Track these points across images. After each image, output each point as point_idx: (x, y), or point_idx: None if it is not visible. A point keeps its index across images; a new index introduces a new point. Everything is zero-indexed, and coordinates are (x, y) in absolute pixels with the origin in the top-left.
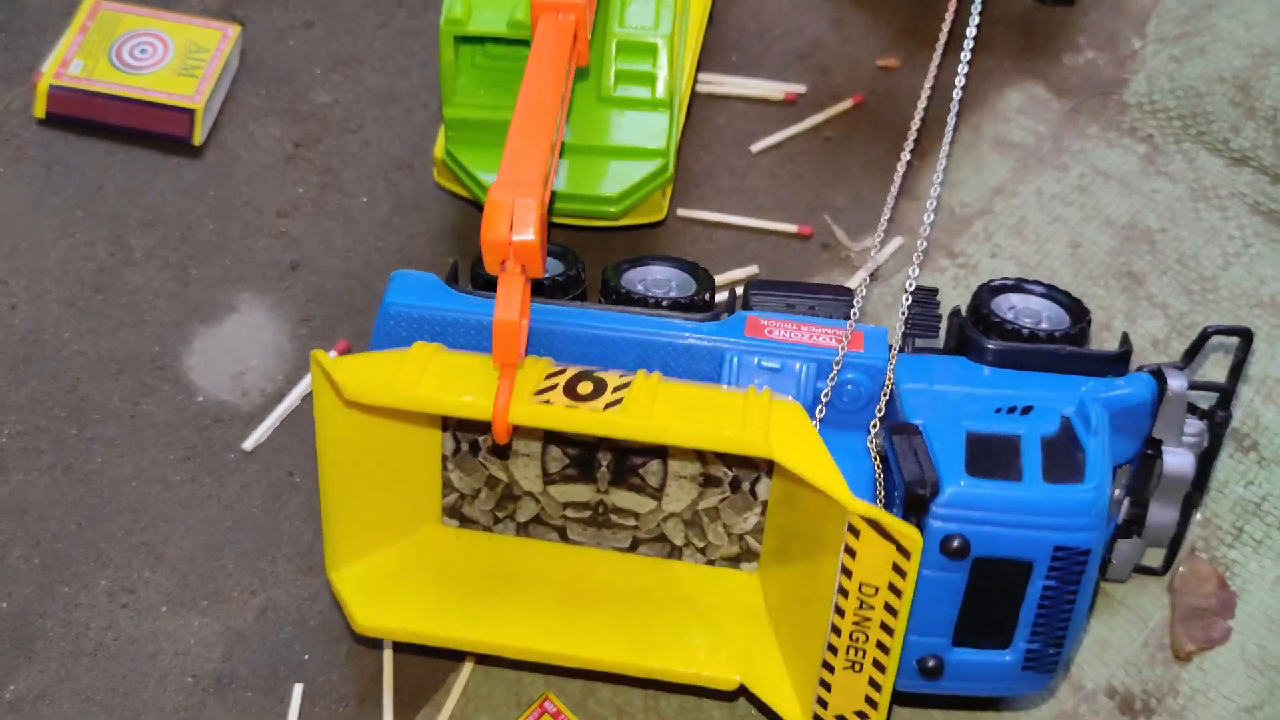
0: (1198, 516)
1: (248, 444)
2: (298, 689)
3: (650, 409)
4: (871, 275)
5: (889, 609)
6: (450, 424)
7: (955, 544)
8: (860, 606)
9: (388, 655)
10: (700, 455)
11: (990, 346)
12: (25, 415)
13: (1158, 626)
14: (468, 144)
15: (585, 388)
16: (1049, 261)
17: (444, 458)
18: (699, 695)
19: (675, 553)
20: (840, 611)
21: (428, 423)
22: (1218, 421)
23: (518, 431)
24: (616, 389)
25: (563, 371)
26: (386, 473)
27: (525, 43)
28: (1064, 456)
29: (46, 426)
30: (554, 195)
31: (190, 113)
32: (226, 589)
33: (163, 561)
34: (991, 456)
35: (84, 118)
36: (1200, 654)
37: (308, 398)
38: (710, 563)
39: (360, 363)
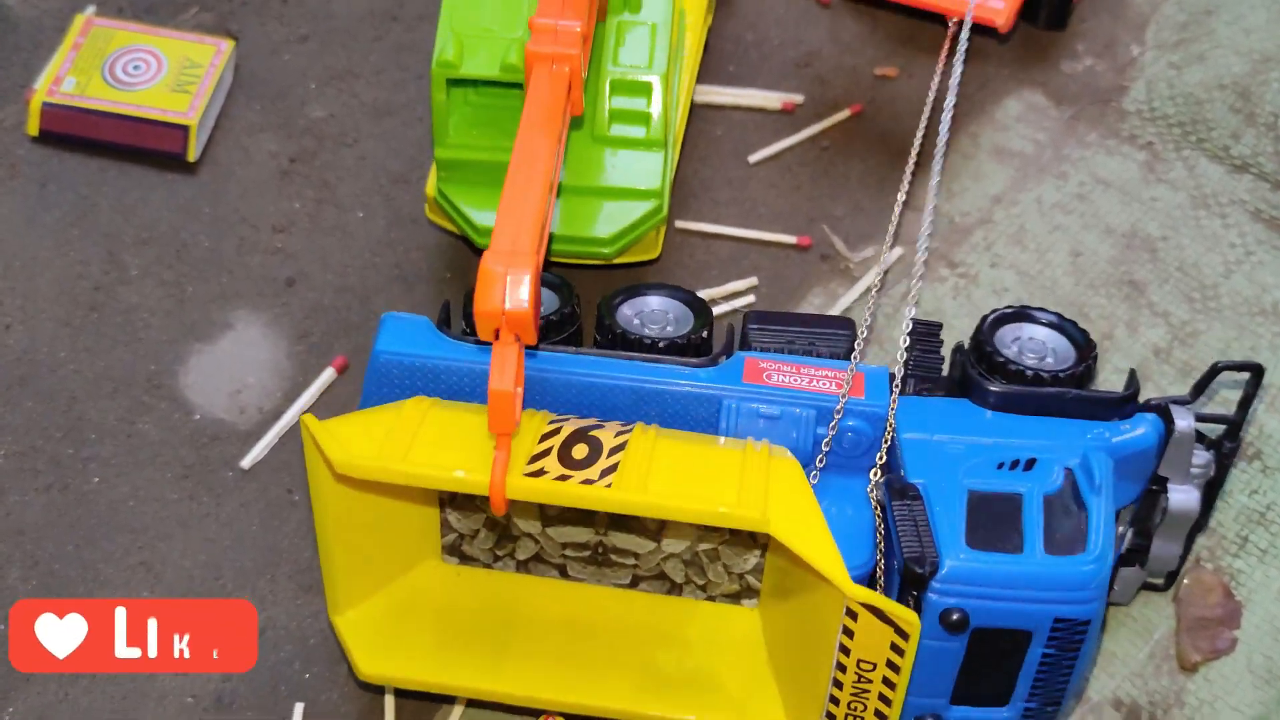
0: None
1: (245, 462)
2: (299, 708)
3: (646, 480)
4: (879, 287)
5: (887, 683)
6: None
7: (955, 617)
8: (858, 680)
9: None
10: None
11: (993, 389)
12: (21, 435)
13: (1163, 637)
14: (460, 183)
15: (580, 451)
16: (1049, 270)
17: (441, 502)
18: None
19: (676, 589)
20: (839, 684)
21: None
22: (1225, 452)
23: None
24: (612, 451)
25: (557, 431)
26: (385, 518)
27: (518, 85)
28: (1066, 521)
29: (43, 447)
30: (549, 236)
31: (184, 129)
32: None
33: (161, 581)
34: (992, 522)
35: (77, 135)
36: (1206, 664)
37: None
38: (711, 599)
39: (351, 426)
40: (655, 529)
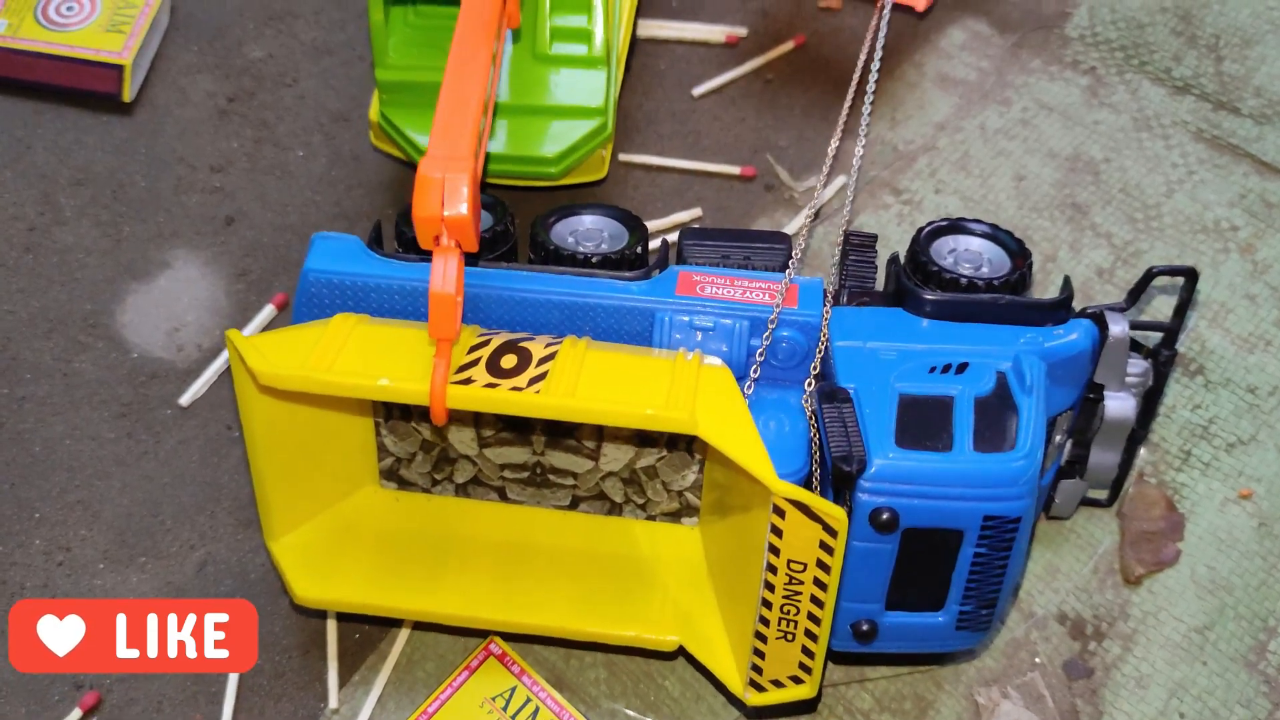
0: (1143, 445)
1: (184, 399)
2: None
3: (574, 386)
4: (815, 214)
5: (818, 584)
6: (383, 445)
7: (884, 517)
8: (790, 582)
9: None
10: None
11: (928, 298)
12: None
13: (1107, 552)
14: (402, 106)
15: (509, 361)
16: (993, 195)
17: (376, 423)
18: (642, 655)
19: (615, 509)
20: (770, 587)
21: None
22: (1162, 361)
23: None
24: (541, 361)
25: (487, 343)
26: (319, 441)
27: (456, 1)
28: (996, 421)
29: None
30: (490, 157)
31: (119, 69)
32: (165, 545)
33: (99, 519)
34: (923, 423)
35: (10, 77)
36: (1150, 577)
37: None
38: (651, 518)
39: (278, 340)
40: (593, 449)
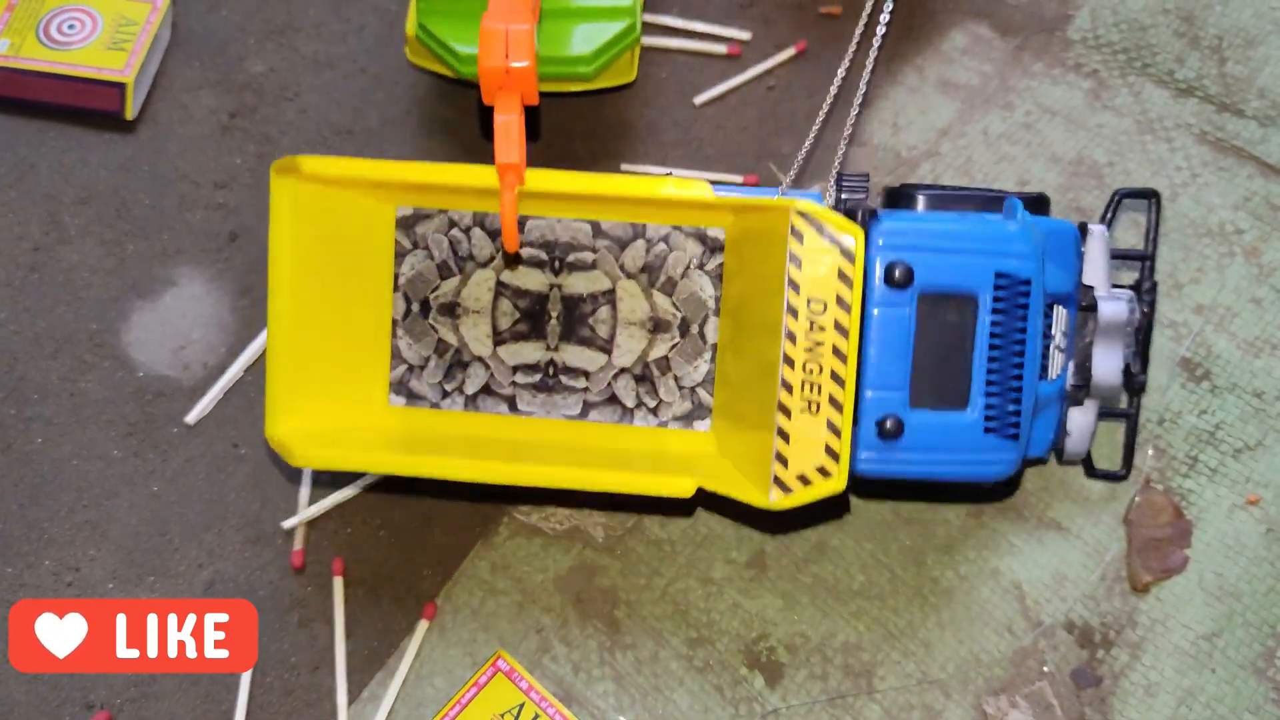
0: (1150, 451)
1: (190, 417)
2: None
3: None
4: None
5: (839, 328)
6: (400, 283)
7: (898, 273)
8: (810, 330)
9: (339, 620)
10: (649, 298)
11: (921, 195)
12: None
13: (1114, 559)
14: (439, 14)
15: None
16: None
17: (394, 322)
18: (650, 672)
19: (627, 415)
20: (791, 336)
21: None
22: (1146, 290)
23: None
24: None
25: None
26: (336, 334)
27: None
28: (996, 205)
29: None
30: None
31: (121, 86)
32: (173, 564)
33: (107, 539)
34: (932, 198)
35: (14, 97)
36: (1158, 584)
37: (251, 369)
38: (663, 424)
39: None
40: (606, 337)
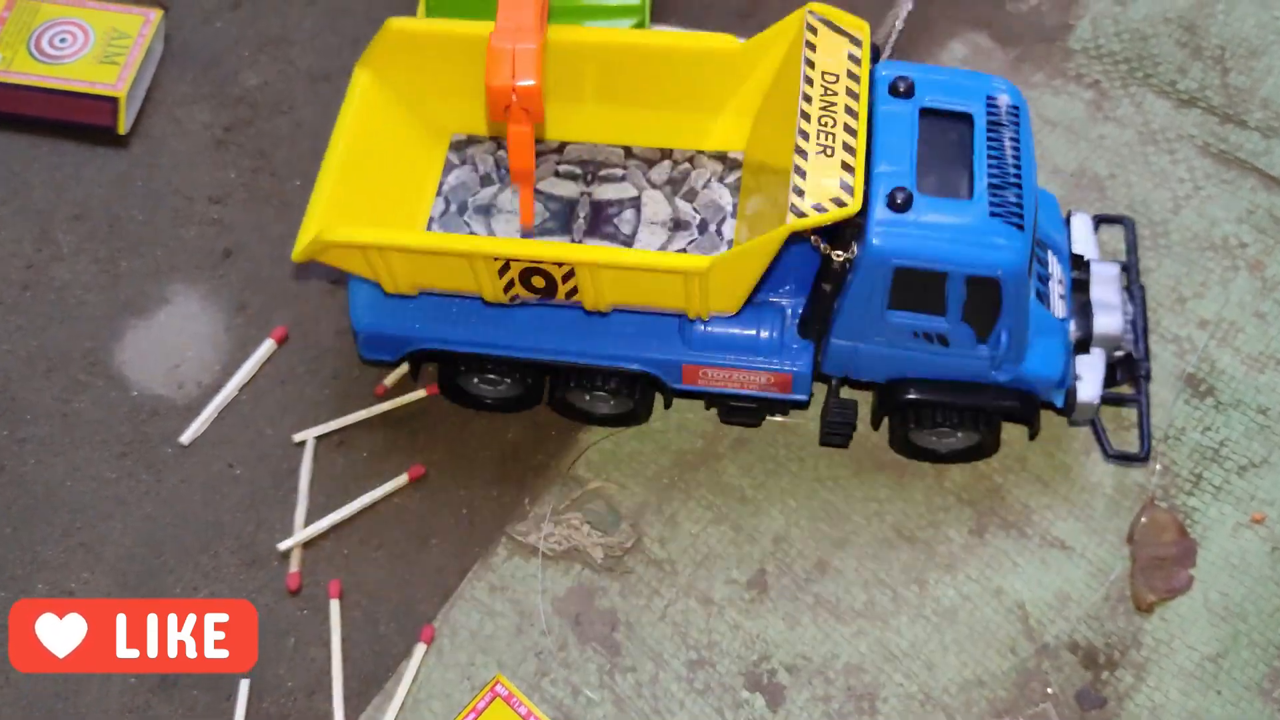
0: (1157, 467)
1: (185, 437)
2: (244, 685)
3: None
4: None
5: (850, 94)
6: (444, 190)
7: (902, 86)
8: (825, 93)
9: (336, 644)
10: (671, 203)
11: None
12: None
13: (1118, 579)
14: (448, 12)
15: None
16: None
17: (430, 220)
18: (650, 696)
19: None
20: (808, 99)
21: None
22: (1135, 289)
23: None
24: None
25: None
26: (392, 161)
27: None
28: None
29: None
30: None
31: (113, 101)
32: (168, 586)
33: (101, 561)
34: None
35: (4, 111)
36: (1162, 604)
37: (246, 388)
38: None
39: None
40: (629, 234)
